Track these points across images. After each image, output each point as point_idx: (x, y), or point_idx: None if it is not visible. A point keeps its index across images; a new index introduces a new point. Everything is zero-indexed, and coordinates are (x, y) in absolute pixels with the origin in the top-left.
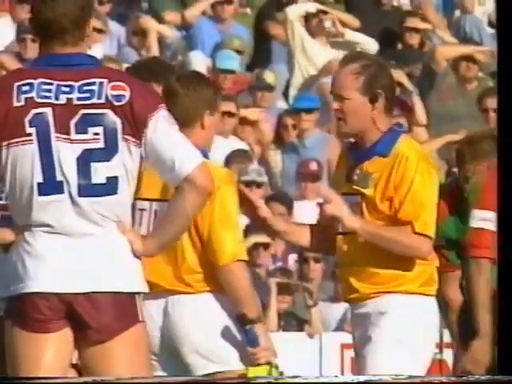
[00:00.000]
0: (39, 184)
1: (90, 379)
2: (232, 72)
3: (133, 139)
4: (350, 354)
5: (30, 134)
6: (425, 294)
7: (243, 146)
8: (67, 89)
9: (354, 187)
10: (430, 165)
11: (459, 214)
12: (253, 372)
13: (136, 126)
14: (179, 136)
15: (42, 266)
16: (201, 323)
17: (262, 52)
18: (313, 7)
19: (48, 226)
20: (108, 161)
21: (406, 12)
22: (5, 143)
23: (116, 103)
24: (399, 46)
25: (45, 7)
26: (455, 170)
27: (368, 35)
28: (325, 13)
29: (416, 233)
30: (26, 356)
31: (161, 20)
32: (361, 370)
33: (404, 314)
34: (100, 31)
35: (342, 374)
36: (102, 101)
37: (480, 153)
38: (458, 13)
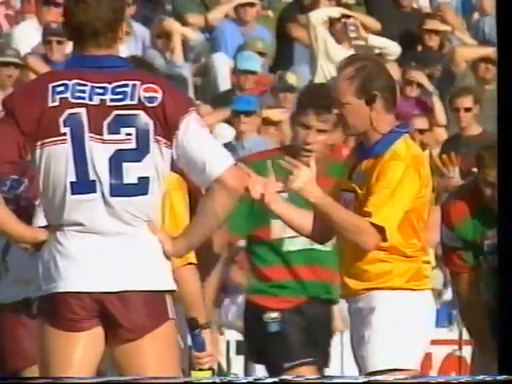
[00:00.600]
0: (72, 183)
1: (104, 379)
2: (253, 73)
3: (164, 140)
4: None
5: (64, 134)
6: (413, 289)
7: None
8: (101, 90)
9: (352, 185)
10: (416, 172)
11: (477, 216)
12: (195, 377)
13: (168, 128)
14: (210, 138)
15: (74, 266)
16: None
17: (284, 54)
18: (336, 12)
19: (80, 224)
20: (140, 161)
21: (425, 14)
22: (39, 143)
23: (148, 105)
24: (419, 47)
25: (77, 10)
26: (475, 169)
27: (388, 37)
28: (348, 17)
29: (370, 223)
30: (58, 354)
31: (184, 22)
32: (360, 370)
33: (391, 309)
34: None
35: None
36: (135, 102)
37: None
38: (476, 15)
